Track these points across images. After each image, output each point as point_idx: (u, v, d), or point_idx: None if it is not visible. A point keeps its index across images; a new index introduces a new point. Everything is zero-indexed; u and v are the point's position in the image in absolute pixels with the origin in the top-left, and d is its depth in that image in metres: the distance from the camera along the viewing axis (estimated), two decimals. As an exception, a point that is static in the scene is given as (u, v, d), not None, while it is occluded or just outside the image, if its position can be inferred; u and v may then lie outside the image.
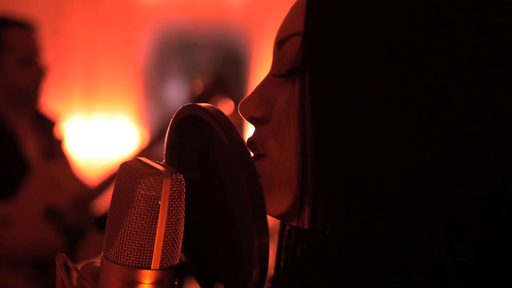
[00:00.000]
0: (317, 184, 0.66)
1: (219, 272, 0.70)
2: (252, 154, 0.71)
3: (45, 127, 2.50)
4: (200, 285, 0.72)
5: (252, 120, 0.74)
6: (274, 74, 0.71)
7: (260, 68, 2.61)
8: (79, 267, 0.71)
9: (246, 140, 0.72)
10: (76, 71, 4.39)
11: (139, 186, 0.64)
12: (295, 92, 0.68)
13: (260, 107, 0.72)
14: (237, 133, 0.64)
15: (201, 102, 0.69)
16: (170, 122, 0.71)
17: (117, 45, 4.57)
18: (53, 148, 2.50)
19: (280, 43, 0.72)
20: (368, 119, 0.64)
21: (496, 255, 0.61)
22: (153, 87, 4.94)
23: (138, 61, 4.80)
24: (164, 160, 0.72)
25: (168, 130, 0.72)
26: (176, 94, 5.17)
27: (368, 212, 0.63)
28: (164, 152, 0.73)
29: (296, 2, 0.72)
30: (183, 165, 0.69)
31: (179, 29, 4.85)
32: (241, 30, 4.68)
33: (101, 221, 2.41)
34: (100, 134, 4.46)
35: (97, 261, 0.73)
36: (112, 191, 0.68)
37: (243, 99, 0.73)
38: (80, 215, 2.39)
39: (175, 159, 0.72)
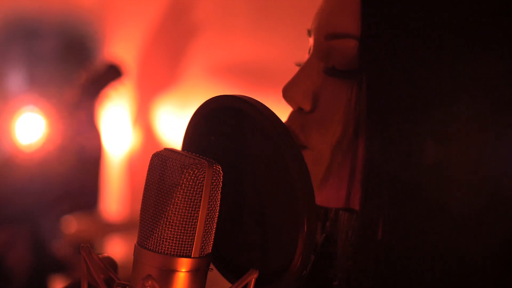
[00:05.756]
0: (366, 181, 0.67)
1: (244, 259, 0.71)
2: None
3: None
4: (223, 273, 0.73)
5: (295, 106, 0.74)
6: (324, 71, 0.72)
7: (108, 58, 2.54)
8: None
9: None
10: None
11: (182, 176, 0.65)
12: (347, 91, 0.69)
13: (307, 98, 0.72)
14: (280, 121, 0.67)
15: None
16: (194, 113, 0.72)
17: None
18: None
19: (329, 36, 0.71)
20: (426, 122, 0.65)
21: None
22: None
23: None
24: (181, 149, 0.72)
25: (191, 122, 0.73)
26: (17, 84, 4.97)
27: (416, 212, 0.65)
28: (183, 142, 0.74)
29: None
30: (209, 155, 0.70)
31: (21, 15, 4.67)
32: (88, 18, 4.58)
33: None
34: None
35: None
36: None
37: (287, 82, 0.73)
38: None
39: (197, 149, 0.72)
